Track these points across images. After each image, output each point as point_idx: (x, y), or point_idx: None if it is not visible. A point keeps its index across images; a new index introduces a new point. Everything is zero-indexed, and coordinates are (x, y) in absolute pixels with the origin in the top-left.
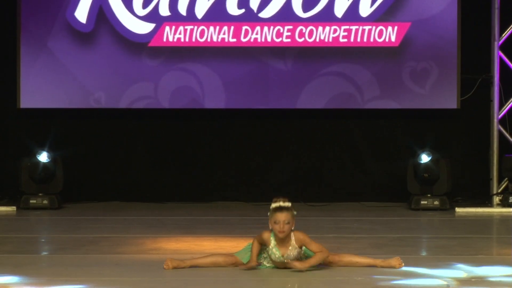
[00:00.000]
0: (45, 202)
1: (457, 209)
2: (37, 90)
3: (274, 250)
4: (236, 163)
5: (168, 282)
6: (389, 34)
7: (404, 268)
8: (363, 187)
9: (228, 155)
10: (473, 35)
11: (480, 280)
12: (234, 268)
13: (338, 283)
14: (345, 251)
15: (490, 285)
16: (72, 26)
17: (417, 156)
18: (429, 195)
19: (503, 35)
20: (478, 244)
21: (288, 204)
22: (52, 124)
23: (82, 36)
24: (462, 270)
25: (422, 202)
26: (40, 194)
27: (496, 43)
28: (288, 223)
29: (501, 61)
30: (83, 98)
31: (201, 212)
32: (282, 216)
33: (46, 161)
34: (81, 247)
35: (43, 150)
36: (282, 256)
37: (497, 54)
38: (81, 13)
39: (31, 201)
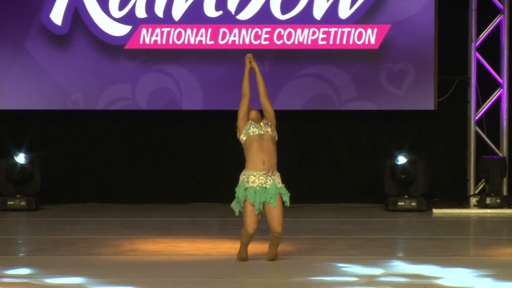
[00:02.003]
0: (22, 203)
1: (434, 210)
2: (15, 92)
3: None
4: (214, 164)
5: (146, 282)
6: (369, 36)
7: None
8: (340, 188)
9: (206, 156)
10: (450, 36)
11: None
12: (213, 268)
13: None
14: (322, 252)
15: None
16: (47, 28)
17: (394, 157)
18: (406, 196)
19: (480, 36)
20: (455, 245)
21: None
22: (30, 126)
23: (58, 38)
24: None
25: (399, 203)
26: (17, 196)
27: (473, 44)
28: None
29: (478, 63)
30: (61, 100)
31: (179, 214)
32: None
33: (24, 162)
34: (59, 248)
35: (21, 151)
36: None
37: (474, 55)
38: (57, 15)
39: (8, 203)
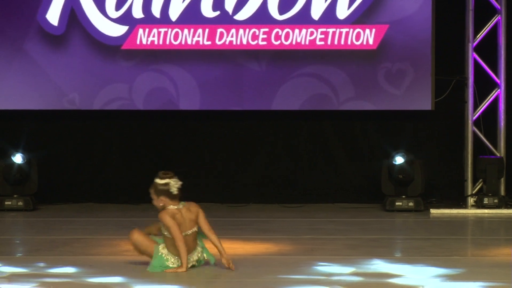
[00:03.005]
0: (20, 203)
1: (432, 211)
2: (11, 92)
3: None
4: (211, 164)
5: (143, 283)
6: (367, 36)
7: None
8: (338, 188)
9: (203, 156)
10: (448, 36)
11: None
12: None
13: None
14: (320, 252)
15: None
16: (43, 28)
17: (391, 157)
18: (403, 197)
19: (477, 36)
20: (453, 245)
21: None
22: (26, 126)
23: (55, 39)
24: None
25: (397, 204)
26: (14, 196)
27: (470, 44)
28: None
29: (475, 63)
30: (57, 100)
31: None
32: None
33: (21, 162)
34: (55, 248)
35: (18, 151)
36: None
37: (472, 55)
38: (53, 15)
39: (5, 203)
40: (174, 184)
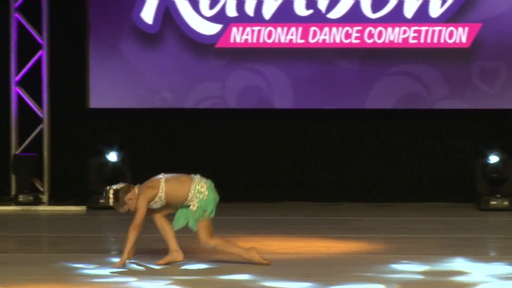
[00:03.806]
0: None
1: None
2: (105, 90)
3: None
4: (304, 163)
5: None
6: (460, 35)
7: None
8: (429, 187)
9: (296, 154)
10: None
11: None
12: (304, 267)
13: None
14: (411, 251)
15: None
16: (138, 27)
17: (485, 156)
18: (498, 196)
19: None
20: None
21: (106, 200)
22: (121, 124)
23: (148, 37)
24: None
25: (492, 203)
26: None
27: None
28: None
29: None
30: (150, 98)
31: (269, 212)
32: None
33: (115, 160)
34: (151, 245)
35: (112, 150)
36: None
37: None
38: (147, 14)
39: (100, 201)
40: (110, 199)
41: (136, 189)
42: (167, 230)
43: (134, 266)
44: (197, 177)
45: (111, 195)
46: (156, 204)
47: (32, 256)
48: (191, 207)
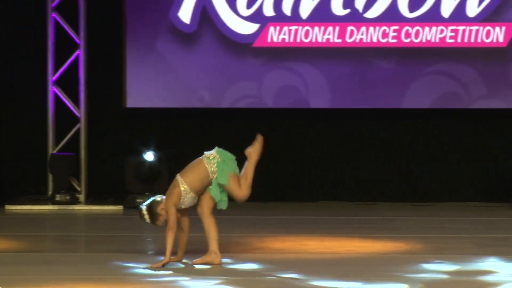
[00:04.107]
0: None
1: None
2: (143, 90)
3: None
4: (341, 163)
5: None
6: (497, 34)
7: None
8: (466, 187)
9: (333, 154)
10: None
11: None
12: (341, 267)
13: None
14: (448, 252)
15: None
16: (175, 26)
17: None
18: None
19: None
20: None
21: (143, 218)
22: (157, 123)
23: (186, 36)
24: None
25: None
26: (146, 193)
27: None
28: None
29: None
30: (187, 98)
31: (306, 212)
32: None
33: (152, 160)
34: (187, 246)
35: (149, 149)
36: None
37: None
38: (185, 14)
39: (137, 200)
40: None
41: (163, 199)
42: (211, 231)
43: (180, 265)
44: (204, 153)
45: (145, 213)
46: (188, 199)
47: (72, 256)
48: (215, 177)
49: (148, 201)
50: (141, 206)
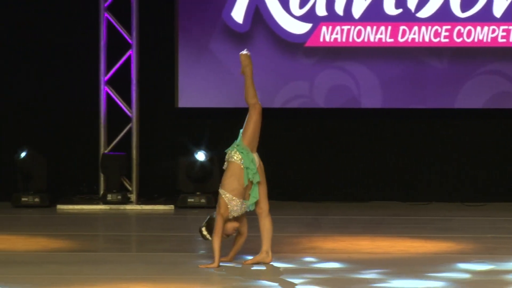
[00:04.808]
0: (202, 201)
1: None
2: (195, 90)
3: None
4: (393, 163)
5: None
6: None
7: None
8: None
9: (385, 154)
10: None
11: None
12: (392, 266)
13: None
14: (501, 252)
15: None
16: (228, 26)
17: None
18: None
19: None
20: None
21: (206, 238)
22: (209, 124)
23: (238, 36)
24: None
25: None
26: (197, 193)
27: None
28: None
29: None
30: (239, 98)
31: (357, 212)
32: None
33: (203, 160)
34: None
35: (201, 149)
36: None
37: None
38: (238, 13)
39: (188, 200)
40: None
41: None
42: (266, 231)
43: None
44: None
45: (205, 231)
46: (236, 206)
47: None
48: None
49: (205, 221)
50: (200, 227)
